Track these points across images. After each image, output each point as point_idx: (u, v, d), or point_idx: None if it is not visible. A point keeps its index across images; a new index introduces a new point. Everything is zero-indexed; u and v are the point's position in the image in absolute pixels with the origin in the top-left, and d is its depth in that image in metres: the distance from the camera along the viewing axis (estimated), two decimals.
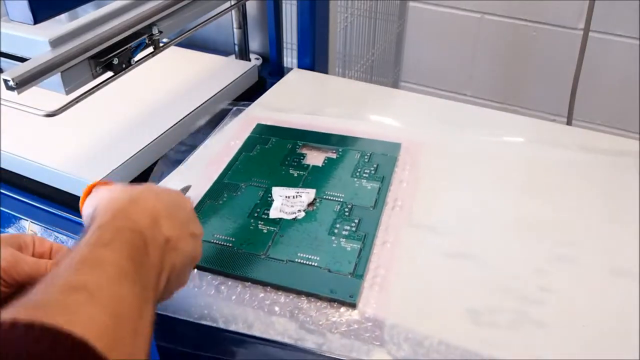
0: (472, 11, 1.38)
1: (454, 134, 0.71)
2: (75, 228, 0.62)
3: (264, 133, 0.71)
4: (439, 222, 0.58)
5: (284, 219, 0.57)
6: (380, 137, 0.70)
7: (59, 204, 0.64)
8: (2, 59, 0.55)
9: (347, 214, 0.58)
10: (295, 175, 0.64)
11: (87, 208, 0.42)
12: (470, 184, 0.63)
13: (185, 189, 0.58)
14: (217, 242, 0.55)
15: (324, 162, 0.66)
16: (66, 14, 0.58)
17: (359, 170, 0.64)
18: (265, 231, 0.56)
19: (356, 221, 0.57)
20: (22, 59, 0.52)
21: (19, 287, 0.42)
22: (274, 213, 0.58)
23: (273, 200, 0.60)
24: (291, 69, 0.88)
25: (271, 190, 0.61)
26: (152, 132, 0.70)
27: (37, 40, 0.53)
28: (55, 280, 0.30)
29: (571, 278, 0.51)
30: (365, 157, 0.66)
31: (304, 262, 0.52)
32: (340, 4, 1.07)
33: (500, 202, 0.60)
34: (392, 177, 0.63)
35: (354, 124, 0.72)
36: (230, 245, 0.55)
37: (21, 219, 0.63)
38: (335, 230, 0.56)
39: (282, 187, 0.61)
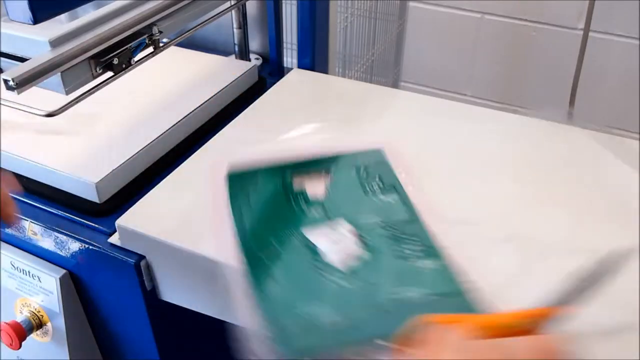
0: (472, 11, 1.38)
1: (430, 129, 0.71)
2: (76, 228, 0.62)
3: (243, 181, 0.61)
4: (473, 213, 0.57)
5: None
6: (357, 147, 0.65)
7: (59, 204, 0.64)
8: (2, 59, 0.55)
9: (397, 234, 0.53)
10: (313, 214, 0.56)
11: None
12: (466, 174, 0.63)
13: None
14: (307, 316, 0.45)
15: (326, 190, 0.59)
16: (66, 14, 0.58)
17: (366, 186, 0.59)
18: (343, 284, 0.48)
19: (415, 239, 0.52)
20: (22, 59, 0.52)
21: None
22: (330, 258, 0.50)
23: (316, 247, 0.52)
24: (291, 69, 0.88)
25: (305, 237, 0.53)
26: (152, 132, 0.70)
27: (37, 40, 0.53)
28: None
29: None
30: (362, 171, 0.61)
31: (400, 297, 0.47)
32: (340, 4, 1.07)
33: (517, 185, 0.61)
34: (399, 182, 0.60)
35: (324, 139, 0.67)
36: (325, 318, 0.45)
37: (21, 219, 0.63)
38: (404, 253, 0.50)
39: (316, 230, 0.54)
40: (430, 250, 0.51)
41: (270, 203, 0.59)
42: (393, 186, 0.60)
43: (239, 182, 0.61)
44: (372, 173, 0.61)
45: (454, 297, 0.47)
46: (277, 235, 0.54)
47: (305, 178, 0.60)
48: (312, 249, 0.51)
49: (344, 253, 0.49)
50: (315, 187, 0.60)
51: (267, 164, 0.62)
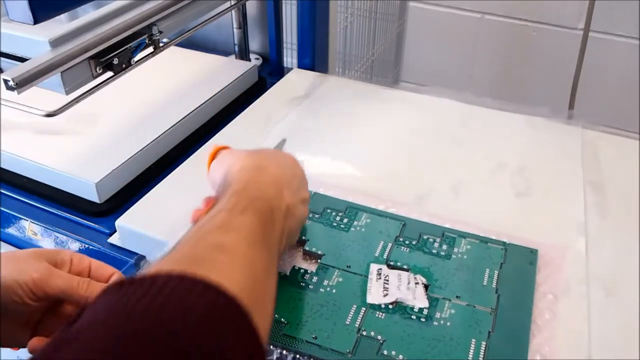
0: (472, 11, 1.38)
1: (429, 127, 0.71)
2: (76, 228, 0.62)
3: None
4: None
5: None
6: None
7: (59, 204, 0.64)
8: (2, 59, 0.55)
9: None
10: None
11: (214, 172, 0.47)
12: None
13: (282, 143, 0.60)
14: None
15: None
16: (66, 14, 0.58)
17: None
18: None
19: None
20: (22, 59, 0.52)
21: (51, 302, 0.43)
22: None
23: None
24: (291, 69, 0.88)
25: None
26: (152, 132, 0.70)
27: (37, 40, 0.53)
28: (203, 238, 0.35)
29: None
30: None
31: None
32: (340, 4, 1.07)
33: None
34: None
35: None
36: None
37: (21, 219, 0.63)
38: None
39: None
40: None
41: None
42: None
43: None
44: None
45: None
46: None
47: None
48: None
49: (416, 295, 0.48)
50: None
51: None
